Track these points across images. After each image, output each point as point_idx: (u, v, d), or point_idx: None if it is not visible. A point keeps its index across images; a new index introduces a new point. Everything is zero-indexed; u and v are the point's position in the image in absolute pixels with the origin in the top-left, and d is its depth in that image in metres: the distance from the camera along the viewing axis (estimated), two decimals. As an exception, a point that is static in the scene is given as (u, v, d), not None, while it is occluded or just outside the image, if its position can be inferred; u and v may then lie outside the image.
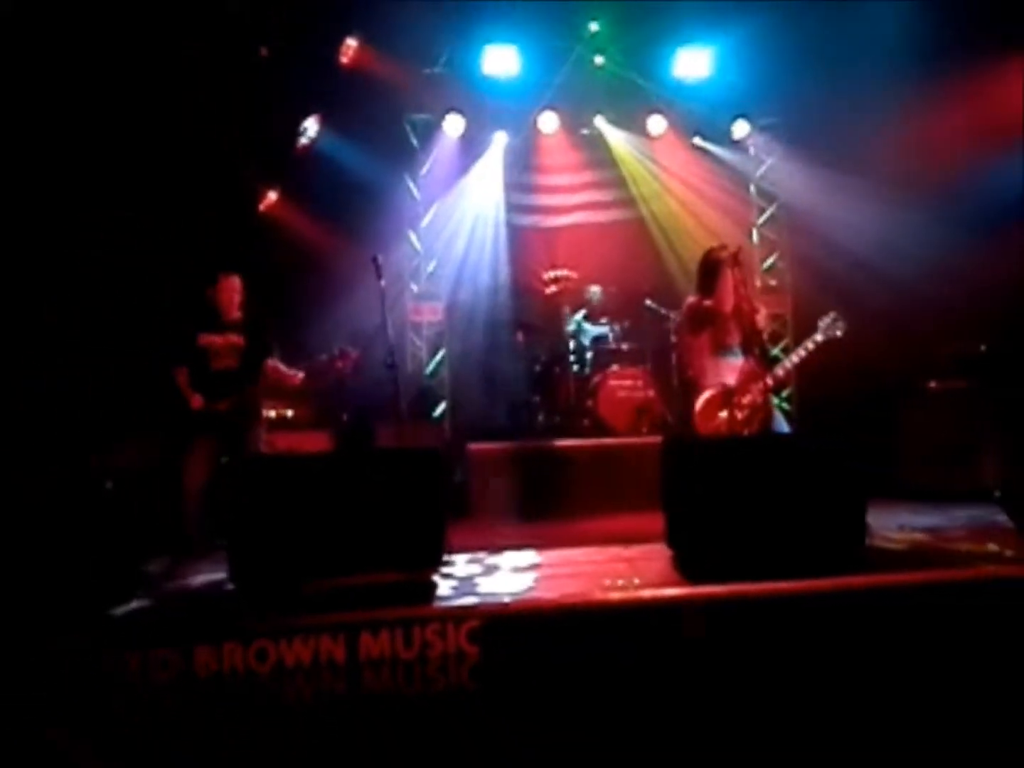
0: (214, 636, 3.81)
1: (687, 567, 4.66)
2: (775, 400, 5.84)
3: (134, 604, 4.55)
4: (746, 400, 5.32)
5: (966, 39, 7.76)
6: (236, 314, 5.98)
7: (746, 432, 5.26)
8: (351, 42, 8.71)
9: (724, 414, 5.31)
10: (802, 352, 5.41)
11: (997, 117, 7.92)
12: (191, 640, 3.78)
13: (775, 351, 9.43)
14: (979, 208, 7.93)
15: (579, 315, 9.15)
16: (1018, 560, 4.74)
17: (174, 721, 3.53)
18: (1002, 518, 5.49)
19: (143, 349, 6.60)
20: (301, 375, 6.03)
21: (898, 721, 3.10)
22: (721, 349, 5.46)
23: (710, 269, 5.54)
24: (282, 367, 6.02)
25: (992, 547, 5.08)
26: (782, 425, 5.50)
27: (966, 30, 7.76)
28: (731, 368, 5.42)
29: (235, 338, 5.88)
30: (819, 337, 5.40)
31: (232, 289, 5.98)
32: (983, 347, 7.90)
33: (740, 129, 10.03)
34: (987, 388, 7.48)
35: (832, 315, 5.45)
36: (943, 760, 2.80)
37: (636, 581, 4.48)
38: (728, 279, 5.44)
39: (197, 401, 5.71)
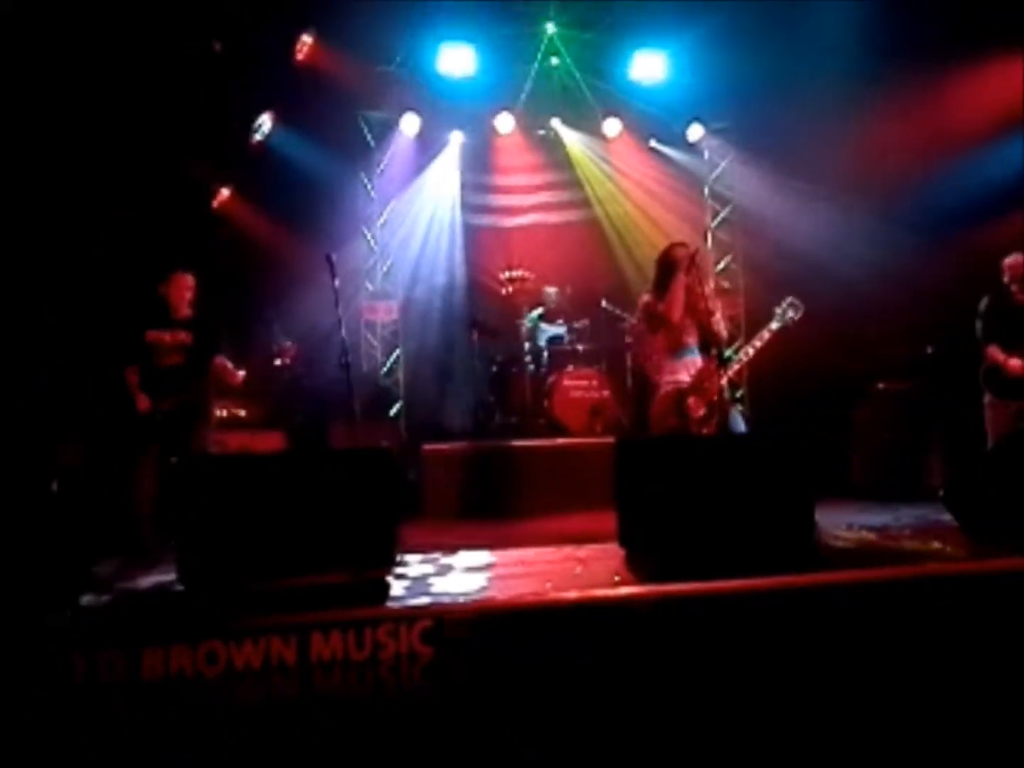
0: (162, 638, 3.75)
1: (639, 566, 4.69)
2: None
3: (81, 606, 4.46)
4: (702, 399, 5.34)
5: (917, 47, 7.90)
6: (187, 311, 5.92)
7: (704, 431, 5.30)
8: (306, 38, 8.62)
9: (679, 413, 5.33)
10: (757, 343, 5.39)
11: (945, 123, 8.08)
12: (138, 642, 3.72)
13: (728, 352, 9.52)
14: (927, 213, 8.09)
15: (535, 315, 9.17)
16: (961, 558, 4.85)
17: (121, 725, 3.46)
18: (946, 517, 5.61)
19: (91, 346, 6.49)
20: (242, 374, 5.95)
21: (845, 717, 3.15)
22: (678, 348, 5.47)
23: (666, 268, 5.54)
24: (229, 365, 5.95)
25: (936, 545, 5.18)
26: (739, 424, 5.52)
27: (917, 38, 7.90)
28: (687, 367, 5.44)
29: (183, 335, 5.82)
30: (775, 325, 5.39)
31: (184, 286, 5.92)
32: (930, 349, 8.07)
33: (695, 132, 10.13)
34: (934, 389, 7.65)
35: (788, 300, 5.42)
36: (889, 757, 2.84)
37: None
38: (680, 283, 5.44)
39: (143, 403, 5.63)
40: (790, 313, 5.38)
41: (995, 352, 6.30)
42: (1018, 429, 5.98)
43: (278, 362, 5.95)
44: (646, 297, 5.65)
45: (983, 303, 6.47)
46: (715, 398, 5.32)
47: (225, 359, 5.94)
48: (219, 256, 7.64)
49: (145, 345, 5.74)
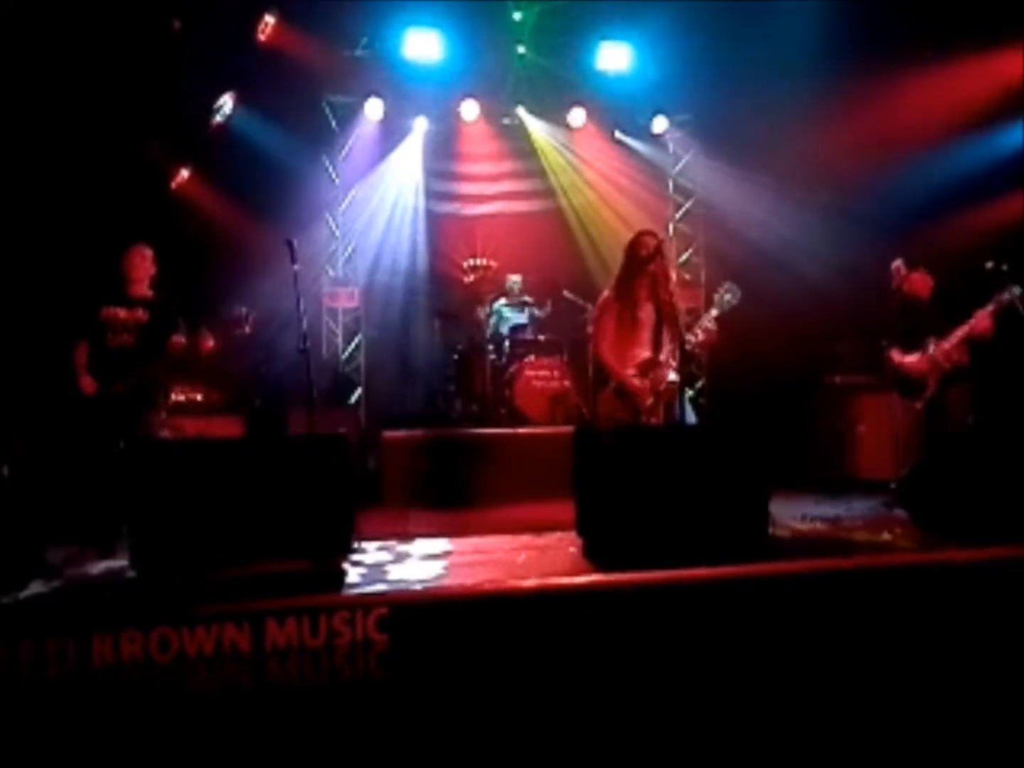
0: (113, 624, 3.70)
1: (597, 555, 4.71)
2: (689, 392, 5.89)
3: (30, 592, 4.38)
4: (650, 390, 5.35)
5: (875, 46, 7.99)
6: (145, 290, 5.75)
7: (652, 421, 5.32)
8: (269, 19, 8.48)
9: (628, 405, 5.34)
10: (700, 333, 5.42)
11: (902, 122, 8.17)
12: (88, 628, 3.66)
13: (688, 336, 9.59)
14: (884, 210, 8.19)
15: (497, 304, 9.16)
16: (911, 549, 4.94)
17: (70, 714, 3.41)
18: (898, 508, 5.70)
19: (43, 325, 6.36)
20: (211, 341, 5.73)
21: (797, 706, 3.19)
22: (631, 340, 5.46)
23: (631, 260, 5.52)
24: (184, 340, 5.73)
25: (887, 536, 5.28)
26: (689, 416, 5.54)
27: (876, 37, 8.00)
28: (637, 358, 5.44)
29: (140, 314, 5.65)
30: (715, 311, 5.41)
31: (142, 258, 5.72)
32: (884, 343, 8.19)
33: (659, 124, 10.16)
34: (886, 383, 7.76)
35: (726, 285, 5.45)
36: (842, 744, 2.89)
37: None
38: (645, 276, 5.43)
39: (88, 385, 5.48)
40: (727, 297, 5.40)
41: (894, 355, 6.55)
42: (969, 425, 6.10)
43: (237, 332, 5.75)
44: (606, 293, 5.63)
45: (896, 304, 6.64)
46: (661, 388, 5.33)
47: (182, 336, 5.75)
48: (177, 238, 7.51)
49: (98, 322, 5.59)
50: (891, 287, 6.78)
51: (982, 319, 6.20)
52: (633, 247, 5.53)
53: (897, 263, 6.76)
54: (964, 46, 7.78)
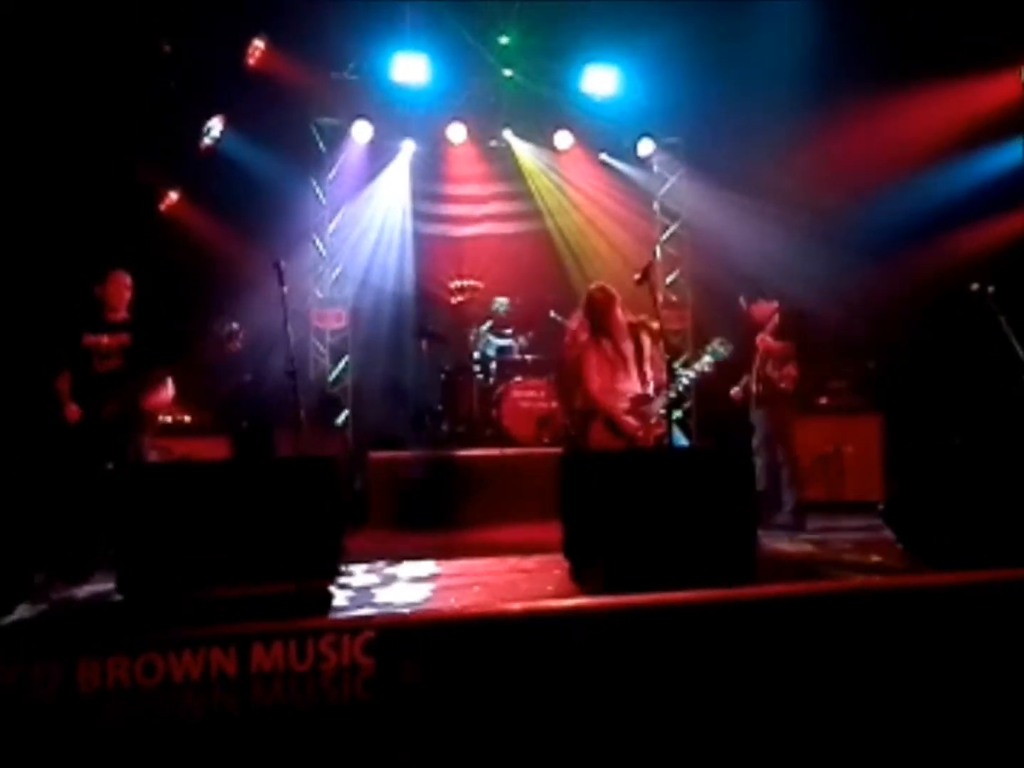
0: (99, 649, 3.67)
1: (583, 578, 4.71)
2: (677, 413, 5.98)
3: (16, 616, 4.35)
4: (639, 420, 5.42)
5: (862, 71, 8.09)
6: (124, 314, 5.80)
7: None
8: (258, 43, 8.54)
9: (621, 436, 5.40)
10: (691, 375, 5.59)
11: (888, 147, 8.27)
12: (74, 653, 3.64)
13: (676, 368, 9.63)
14: (870, 233, 8.27)
15: (484, 325, 9.18)
16: (899, 571, 4.95)
17: (55, 740, 3.38)
18: (886, 531, 5.72)
19: (24, 352, 6.34)
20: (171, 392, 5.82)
21: (785, 728, 3.19)
22: (620, 375, 5.54)
23: (593, 314, 5.66)
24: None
25: (875, 558, 5.30)
26: (679, 439, 5.60)
27: (863, 63, 8.10)
28: (625, 391, 5.50)
29: (123, 337, 5.70)
30: (708, 359, 5.63)
31: (122, 286, 5.79)
32: (871, 365, 8.25)
33: (645, 147, 10.22)
34: (875, 404, 7.83)
35: (718, 340, 5.66)
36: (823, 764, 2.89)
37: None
38: (593, 355, 5.59)
39: (73, 413, 5.51)
40: (720, 351, 5.65)
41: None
42: (954, 446, 6.13)
43: (228, 348, 5.78)
44: (575, 324, 5.71)
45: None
46: (652, 422, 5.42)
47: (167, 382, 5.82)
48: (165, 260, 7.52)
49: (81, 350, 5.62)
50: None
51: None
52: (590, 304, 5.72)
53: (740, 298, 7.06)
54: (946, 72, 7.89)
